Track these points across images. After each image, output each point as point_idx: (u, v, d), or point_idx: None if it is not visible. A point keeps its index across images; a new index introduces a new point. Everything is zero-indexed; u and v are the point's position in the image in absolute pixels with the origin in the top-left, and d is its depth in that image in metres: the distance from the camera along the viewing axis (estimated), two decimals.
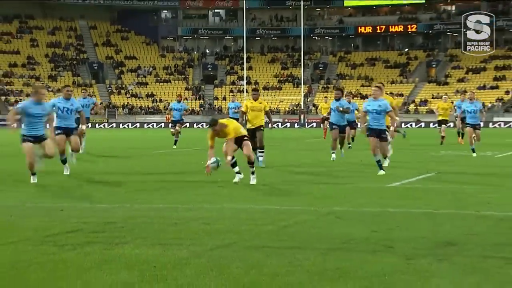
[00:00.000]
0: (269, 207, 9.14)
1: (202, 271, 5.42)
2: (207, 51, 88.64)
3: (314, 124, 64.39)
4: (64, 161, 13.99)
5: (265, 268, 5.51)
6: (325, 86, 79.60)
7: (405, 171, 14.35)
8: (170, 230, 7.37)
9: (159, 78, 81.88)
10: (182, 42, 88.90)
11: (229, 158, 11.80)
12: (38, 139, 12.25)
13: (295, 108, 75.27)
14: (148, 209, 8.97)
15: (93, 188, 11.37)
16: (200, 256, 6.00)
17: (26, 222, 7.91)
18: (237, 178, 11.83)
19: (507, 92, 73.06)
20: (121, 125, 69.73)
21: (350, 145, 22.15)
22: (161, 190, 11.25)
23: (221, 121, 11.96)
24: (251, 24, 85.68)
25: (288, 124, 69.36)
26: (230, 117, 22.27)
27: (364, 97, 67.50)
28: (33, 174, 12.21)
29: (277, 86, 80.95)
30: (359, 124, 17.24)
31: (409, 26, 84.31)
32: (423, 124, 64.32)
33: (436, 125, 27.22)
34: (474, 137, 19.12)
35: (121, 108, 75.46)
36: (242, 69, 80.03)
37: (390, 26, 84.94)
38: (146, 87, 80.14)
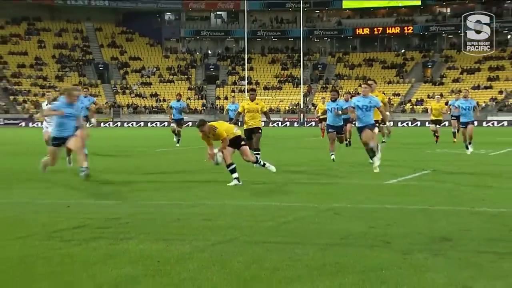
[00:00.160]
0: (269, 203, 9.14)
1: (204, 265, 5.42)
2: (209, 52, 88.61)
3: (313, 123, 64.35)
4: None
5: (265, 262, 5.51)
6: (324, 86, 79.58)
7: (401, 169, 14.34)
8: (173, 226, 7.37)
9: (162, 78, 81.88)
10: (185, 43, 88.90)
11: (229, 161, 11.48)
12: (66, 140, 11.85)
13: (294, 107, 75.28)
14: (151, 206, 8.97)
15: (98, 186, 11.36)
16: (203, 251, 6.00)
17: (34, 218, 7.91)
18: (233, 183, 11.28)
19: (500, 92, 73.06)
20: (125, 124, 69.74)
21: (349, 142, 22.10)
22: (164, 188, 11.25)
23: (210, 124, 11.61)
24: (252, 25, 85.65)
25: (288, 123, 69.36)
26: (231, 118, 22.22)
27: None
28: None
29: (277, 86, 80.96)
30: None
31: (405, 28, 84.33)
32: (419, 123, 64.29)
33: (430, 125, 27.19)
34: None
35: (126, 108, 75.47)
36: (243, 69, 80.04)
37: (387, 28, 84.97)
38: (150, 87, 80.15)
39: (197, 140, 12.91)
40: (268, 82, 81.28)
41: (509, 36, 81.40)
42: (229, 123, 13.34)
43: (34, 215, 8.20)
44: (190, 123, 50.93)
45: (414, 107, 73.46)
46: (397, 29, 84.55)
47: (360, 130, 13.98)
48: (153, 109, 75.42)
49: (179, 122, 25.28)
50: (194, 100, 77.89)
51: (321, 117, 28.12)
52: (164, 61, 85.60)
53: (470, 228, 7.09)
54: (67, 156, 14.83)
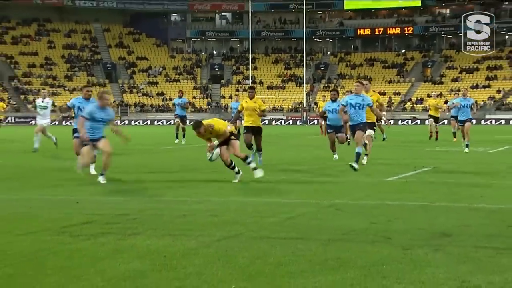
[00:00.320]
0: (272, 200, 9.14)
1: (210, 260, 5.43)
2: (214, 52, 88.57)
3: (316, 121, 64.28)
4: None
5: (269, 257, 5.51)
6: (326, 85, 79.46)
7: (402, 166, 14.32)
8: (179, 221, 7.37)
9: (169, 78, 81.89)
10: (191, 43, 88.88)
11: (228, 162, 11.34)
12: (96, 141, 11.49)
13: (297, 106, 75.23)
14: (158, 202, 8.98)
15: (106, 182, 11.36)
16: (208, 246, 6.00)
17: (44, 214, 7.93)
18: (237, 179, 11.32)
19: (498, 91, 72.92)
20: (133, 122, 69.76)
21: (350, 141, 22.02)
22: (170, 184, 11.26)
23: (206, 122, 11.32)
24: (256, 26, 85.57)
25: (291, 122, 69.31)
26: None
27: None
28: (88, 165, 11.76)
29: (281, 85, 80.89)
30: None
31: (406, 29, 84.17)
32: (419, 121, 64.18)
33: (429, 119, 27.23)
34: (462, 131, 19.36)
35: (133, 106, 75.50)
36: (247, 69, 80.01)
37: (388, 29, 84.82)
38: (157, 86, 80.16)
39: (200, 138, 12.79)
40: (272, 82, 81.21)
41: (507, 37, 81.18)
42: (230, 121, 13.26)
43: (45, 211, 8.22)
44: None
45: (414, 105, 73.33)
46: (398, 29, 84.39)
47: (352, 129, 13.71)
48: (160, 108, 75.44)
49: (183, 119, 25.46)
50: (199, 99, 77.91)
51: (321, 115, 28.08)
52: (170, 61, 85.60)
53: (469, 224, 7.08)
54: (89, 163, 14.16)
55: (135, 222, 7.30)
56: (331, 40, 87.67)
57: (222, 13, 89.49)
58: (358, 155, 13.18)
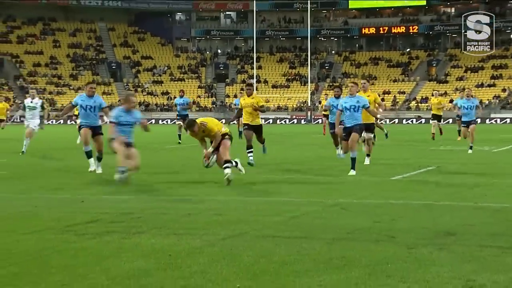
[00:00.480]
0: (277, 199, 9.15)
1: (214, 259, 5.43)
2: (219, 51, 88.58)
3: (320, 120, 64.25)
4: (89, 155, 12.99)
5: (274, 256, 5.51)
6: (330, 84, 79.31)
7: (406, 165, 14.30)
8: (183, 220, 7.38)
9: (173, 77, 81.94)
10: (195, 42, 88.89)
11: (228, 163, 11.19)
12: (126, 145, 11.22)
13: (302, 105, 75.19)
14: (163, 201, 8.99)
15: (111, 181, 11.38)
16: (213, 245, 6.00)
17: (49, 213, 7.95)
18: (240, 170, 11.51)
19: (503, 90, 72.73)
20: None
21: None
22: (174, 183, 11.27)
23: (199, 120, 11.18)
24: (260, 25, 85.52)
25: (295, 121, 69.30)
26: None
27: None
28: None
29: (285, 84, 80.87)
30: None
31: (410, 27, 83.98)
32: (423, 120, 64.07)
33: (432, 121, 27.23)
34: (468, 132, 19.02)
35: (138, 105, 75.52)
36: (252, 68, 80.00)
37: (393, 27, 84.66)
38: (161, 85, 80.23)
39: None
40: (276, 81, 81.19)
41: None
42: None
43: (50, 209, 8.24)
44: None
45: (419, 104, 73.21)
46: (403, 28, 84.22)
47: (347, 131, 12.91)
48: (164, 107, 75.52)
49: (185, 119, 25.42)
50: (204, 98, 77.93)
51: (324, 113, 28.03)
52: (175, 60, 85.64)
53: (473, 223, 7.07)
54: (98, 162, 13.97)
55: (139, 221, 7.31)
56: (335, 39, 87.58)
57: (227, 12, 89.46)
58: (354, 160, 12.56)
